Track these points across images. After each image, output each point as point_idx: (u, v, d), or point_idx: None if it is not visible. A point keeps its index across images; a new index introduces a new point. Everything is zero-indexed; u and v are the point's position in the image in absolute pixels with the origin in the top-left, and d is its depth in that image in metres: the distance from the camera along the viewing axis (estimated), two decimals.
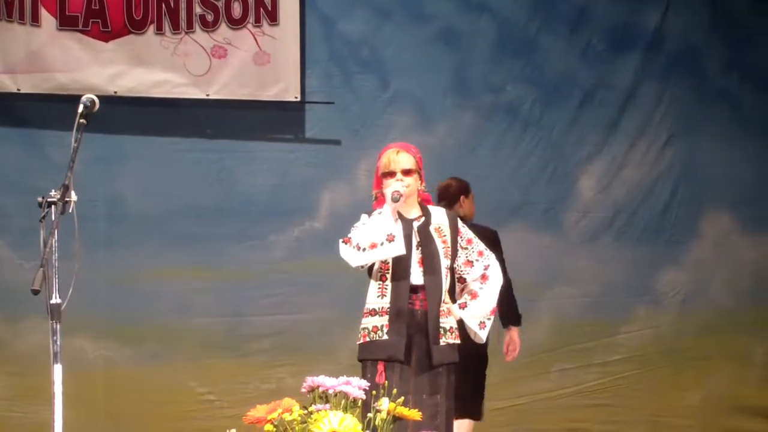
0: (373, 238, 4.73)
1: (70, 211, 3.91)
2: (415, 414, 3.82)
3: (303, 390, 3.78)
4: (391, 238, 4.70)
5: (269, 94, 8.71)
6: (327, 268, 8.45)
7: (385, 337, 4.81)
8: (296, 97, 8.74)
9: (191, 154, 8.71)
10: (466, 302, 5.07)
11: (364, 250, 4.74)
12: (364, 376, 4.73)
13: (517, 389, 9.02)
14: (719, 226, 9.53)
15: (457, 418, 6.24)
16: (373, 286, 4.92)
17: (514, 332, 7.24)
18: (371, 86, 9.05)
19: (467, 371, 6.49)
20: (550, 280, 9.21)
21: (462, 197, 7.35)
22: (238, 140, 8.80)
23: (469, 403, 6.94)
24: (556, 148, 9.32)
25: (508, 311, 7.07)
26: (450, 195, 7.26)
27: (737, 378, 9.40)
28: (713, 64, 9.64)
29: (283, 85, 8.72)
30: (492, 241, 7.02)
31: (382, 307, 4.85)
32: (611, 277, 9.28)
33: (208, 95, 8.60)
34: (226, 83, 8.63)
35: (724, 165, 9.51)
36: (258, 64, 8.66)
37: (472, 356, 6.50)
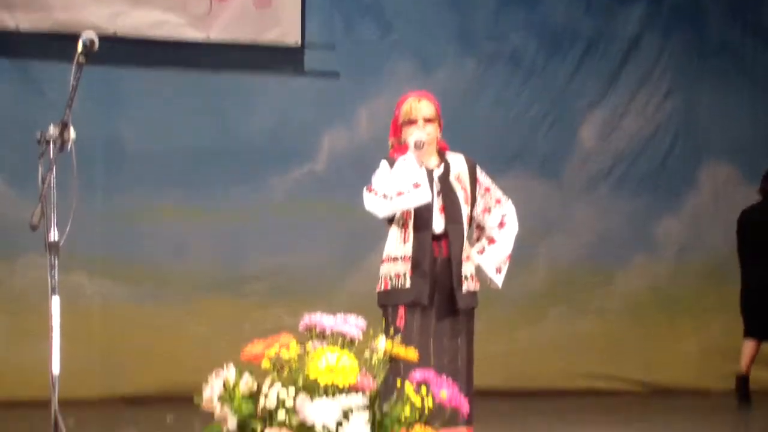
0: (399, 187, 4.69)
1: (69, 149, 3.88)
2: (410, 354, 3.82)
3: (300, 328, 3.79)
4: (417, 186, 4.68)
5: (269, 37, 8.66)
6: (326, 211, 8.48)
7: (408, 284, 4.81)
8: (296, 42, 8.70)
9: (190, 95, 8.66)
10: (483, 248, 5.06)
11: (390, 198, 4.71)
12: (385, 322, 4.72)
13: (513, 335, 9.06)
14: (717, 176, 9.54)
15: None
16: (395, 233, 4.88)
17: None
18: (372, 32, 9.00)
19: None
20: (548, 228, 9.23)
21: None
22: (238, 83, 8.77)
23: None
24: (558, 97, 9.31)
25: None
26: None
27: (732, 327, 9.42)
28: (715, 17, 9.61)
29: (283, 28, 8.66)
30: None
31: (405, 255, 4.82)
32: (609, 226, 9.30)
33: (208, 37, 8.54)
34: (226, 26, 8.57)
35: (724, 116, 9.52)
36: (258, 7, 8.60)
37: None
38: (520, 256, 8.89)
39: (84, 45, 4.05)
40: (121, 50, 8.25)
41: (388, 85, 8.52)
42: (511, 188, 8.86)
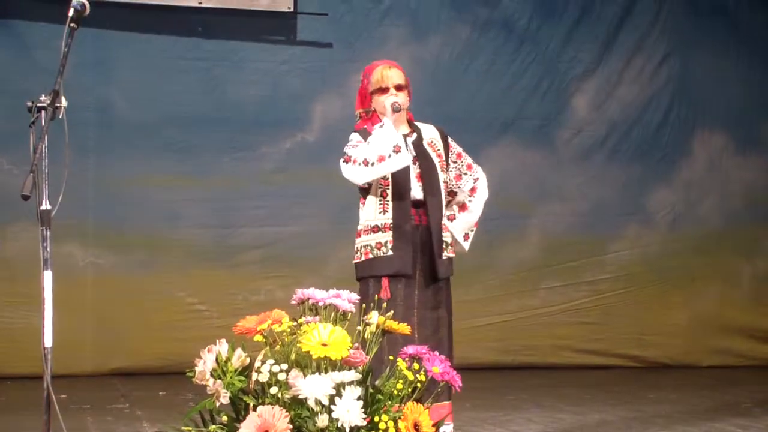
0: (380, 152, 4.68)
1: (60, 116, 3.86)
2: (403, 327, 3.82)
3: (293, 302, 3.78)
4: (397, 149, 4.67)
5: (262, 3, 8.59)
6: (318, 181, 8.43)
7: (390, 252, 4.80)
8: (289, 8, 8.62)
9: (182, 62, 8.61)
10: (454, 214, 5.10)
11: (372, 164, 4.69)
12: (364, 294, 4.67)
13: (505, 306, 9.07)
14: (712, 145, 9.52)
15: None
16: (373, 202, 4.86)
17: None
18: None
19: None
20: (541, 197, 9.22)
21: None
22: (230, 50, 8.71)
23: None
24: (551, 64, 9.25)
25: None
26: None
27: (724, 298, 9.46)
28: None
29: None
30: None
31: (385, 223, 4.81)
32: (602, 196, 9.29)
33: (200, 3, 8.47)
34: None
35: (720, 84, 9.47)
36: None
37: None
38: (512, 226, 9.01)
39: (75, 10, 4.01)
40: (113, 15, 8.19)
41: (381, 53, 8.42)
42: (504, 157, 9.01)
